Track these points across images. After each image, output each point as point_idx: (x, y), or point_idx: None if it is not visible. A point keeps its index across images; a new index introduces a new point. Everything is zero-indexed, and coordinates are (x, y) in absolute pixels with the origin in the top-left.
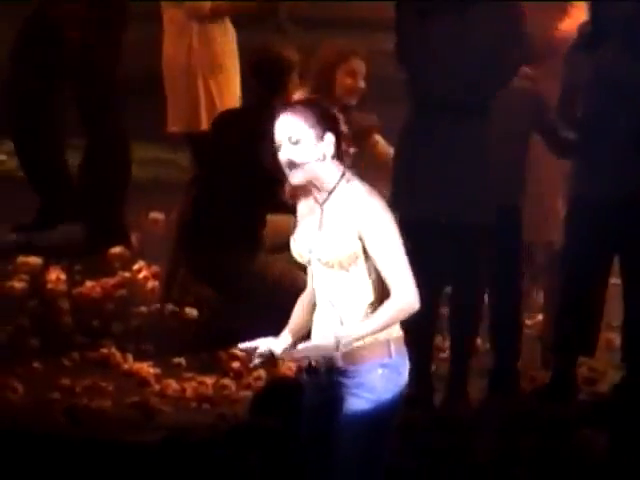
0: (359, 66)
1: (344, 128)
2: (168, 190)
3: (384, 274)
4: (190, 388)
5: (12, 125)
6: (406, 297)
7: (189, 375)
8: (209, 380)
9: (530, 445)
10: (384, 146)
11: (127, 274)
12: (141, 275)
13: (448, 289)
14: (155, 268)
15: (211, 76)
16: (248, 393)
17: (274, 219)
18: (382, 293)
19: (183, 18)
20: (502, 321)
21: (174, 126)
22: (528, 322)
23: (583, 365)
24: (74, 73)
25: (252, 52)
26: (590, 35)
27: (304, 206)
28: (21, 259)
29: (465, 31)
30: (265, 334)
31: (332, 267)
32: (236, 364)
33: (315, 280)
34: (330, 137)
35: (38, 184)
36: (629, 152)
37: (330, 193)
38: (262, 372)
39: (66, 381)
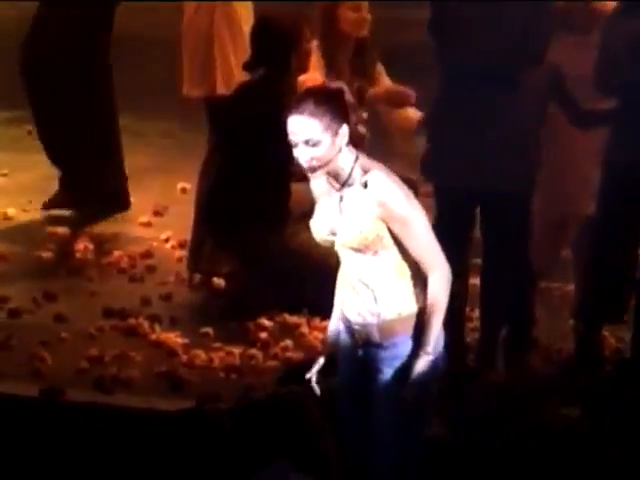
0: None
1: (351, 105)
2: (196, 159)
3: (415, 253)
4: (218, 358)
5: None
6: (445, 272)
7: (217, 345)
8: (237, 350)
9: (556, 415)
10: (414, 118)
11: (155, 243)
12: (169, 244)
13: (477, 260)
14: (183, 237)
15: (229, 41)
16: (275, 363)
17: (299, 188)
18: (415, 264)
19: None
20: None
21: (190, 90)
22: (557, 293)
23: (611, 336)
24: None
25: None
26: (629, 2)
27: (320, 187)
28: (49, 229)
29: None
30: (291, 303)
31: (360, 251)
32: (263, 334)
33: (343, 261)
34: (344, 129)
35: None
36: None
37: (347, 179)
38: (289, 342)
39: (94, 350)
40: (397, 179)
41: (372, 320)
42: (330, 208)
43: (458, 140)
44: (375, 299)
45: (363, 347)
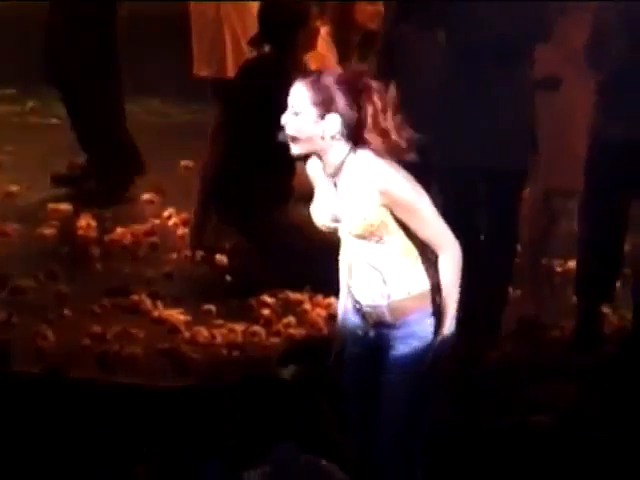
0: None
1: (376, 103)
2: (199, 137)
3: (422, 236)
4: (220, 335)
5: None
6: (455, 251)
7: (219, 322)
8: (239, 327)
9: (555, 393)
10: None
11: (157, 221)
12: (171, 222)
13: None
14: (185, 215)
15: (239, 21)
16: (278, 340)
17: (303, 166)
18: (422, 243)
19: None
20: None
21: (200, 70)
22: (559, 269)
23: (615, 314)
24: None
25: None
26: None
27: (314, 170)
28: (51, 206)
29: None
30: (293, 280)
31: (364, 238)
32: (266, 311)
33: (349, 247)
34: (334, 118)
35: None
36: None
37: (338, 169)
38: (292, 319)
39: (97, 328)
40: (391, 162)
41: (382, 302)
42: (328, 194)
43: (470, 121)
44: (384, 281)
45: (374, 328)
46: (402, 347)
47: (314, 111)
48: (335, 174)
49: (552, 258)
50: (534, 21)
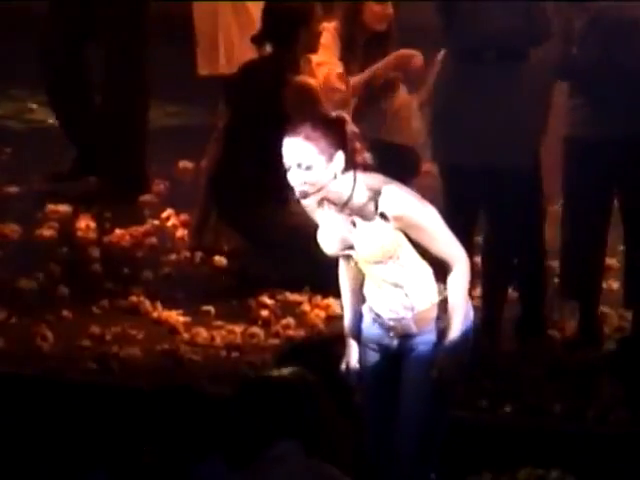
0: None
1: (353, 137)
2: (197, 138)
3: (435, 251)
4: (219, 336)
5: (45, 78)
6: (465, 266)
7: (218, 323)
8: (238, 328)
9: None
10: (407, 97)
11: (156, 222)
12: (170, 223)
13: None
14: (184, 216)
15: (235, 20)
16: (277, 341)
17: None
18: (436, 258)
19: None
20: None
21: (201, 69)
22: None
23: (615, 314)
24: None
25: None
26: None
27: (315, 205)
28: (50, 207)
29: None
30: (293, 282)
31: (381, 262)
32: (265, 312)
33: (365, 270)
34: (340, 155)
35: (72, 135)
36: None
37: (347, 201)
38: (291, 320)
39: (96, 329)
40: (402, 185)
41: (407, 314)
42: (338, 223)
43: (472, 119)
44: (406, 294)
45: (399, 339)
46: (422, 347)
47: (323, 158)
48: (345, 204)
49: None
50: (532, 22)
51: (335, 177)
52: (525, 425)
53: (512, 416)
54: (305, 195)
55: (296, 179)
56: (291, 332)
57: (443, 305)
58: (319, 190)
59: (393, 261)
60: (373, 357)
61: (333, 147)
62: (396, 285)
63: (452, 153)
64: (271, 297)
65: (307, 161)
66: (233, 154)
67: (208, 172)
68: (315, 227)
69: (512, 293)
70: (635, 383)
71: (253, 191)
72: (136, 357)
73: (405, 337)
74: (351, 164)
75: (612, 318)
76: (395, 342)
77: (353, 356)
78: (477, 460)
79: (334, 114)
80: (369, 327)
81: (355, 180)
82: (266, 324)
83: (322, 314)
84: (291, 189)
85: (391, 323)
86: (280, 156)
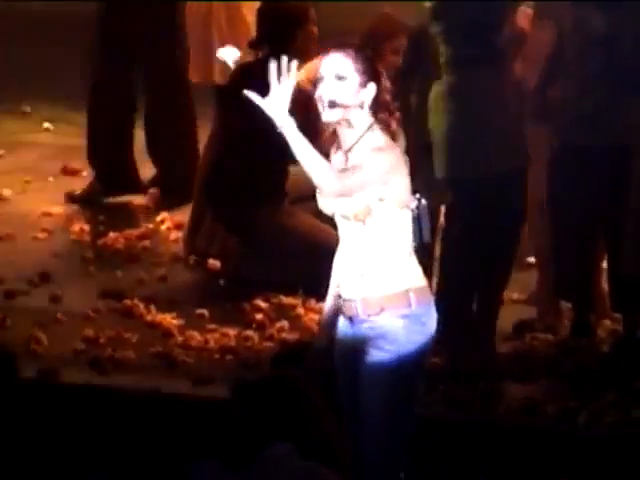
0: (404, 43)
1: (386, 83)
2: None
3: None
4: (213, 339)
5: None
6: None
7: (212, 326)
8: (232, 331)
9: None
10: None
11: (150, 225)
12: (164, 226)
13: None
14: (178, 219)
15: (229, 27)
16: (271, 344)
17: (296, 170)
18: (397, 245)
19: None
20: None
21: (192, 76)
22: None
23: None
24: None
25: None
26: None
27: (334, 158)
28: (44, 210)
29: None
30: (287, 285)
31: (348, 219)
32: (259, 315)
33: (340, 232)
34: (372, 86)
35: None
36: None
37: (355, 142)
38: (285, 323)
39: (90, 332)
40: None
41: (356, 295)
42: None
43: (472, 130)
44: (361, 274)
45: (350, 323)
46: (374, 351)
47: (358, 78)
48: (349, 150)
49: None
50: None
51: (362, 106)
52: (518, 426)
53: (506, 417)
54: (333, 104)
55: (328, 88)
56: (286, 335)
57: (394, 300)
58: (344, 107)
59: (360, 226)
60: (339, 348)
61: (369, 75)
62: (357, 261)
63: (458, 166)
64: (265, 300)
65: (343, 72)
66: (226, 157)
67: (201, 175)
68: (308, 231)
69: (510, 295)
70: (629, 386)
71: (247, 194)
72: (130, 360)
73: (354, 323)
74: (376, 113)
75: (605, 321)
76: (350, 330)
77: (319, 345)
78: (473, 462)
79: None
80: (339, 315)
81: (370, 128)
82: (260, 327)
83: (316, 317)
84: (285, 193)
85: (344, 302)
86: (273, 159)
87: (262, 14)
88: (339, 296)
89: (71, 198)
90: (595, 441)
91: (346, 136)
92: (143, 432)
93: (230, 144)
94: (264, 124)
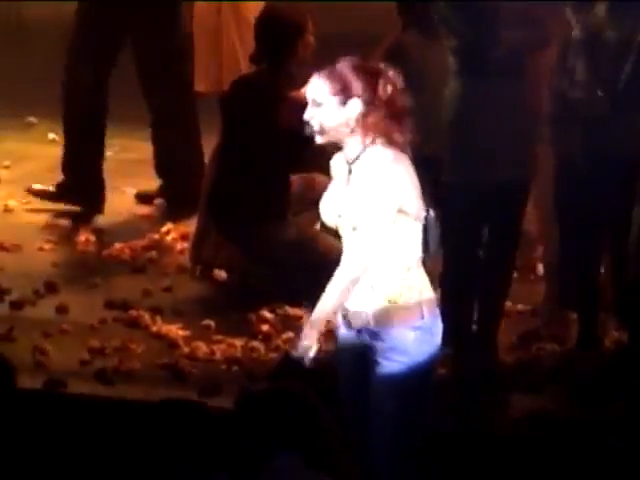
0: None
1: (385, 91)
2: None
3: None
4: (219, 350)
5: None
6: (350, 267)
7: (218, 337)
8: (238, 342)
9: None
10: None
11: (156, 236)
12: (170, 237)
13: None
14: (184, 230)
15: (238, 36)
16: (277, 355)
17: (297, 179)
18: (408, 256)
19: None
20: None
21: (198, 86)
22: None
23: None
24: None
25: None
26: None
27: (337, 168)
28: (50, 221)
29: None
30: (293, 296)
31: (355, 230)
32: (265, 326)
33: (345, 247)
34: (355, 103)
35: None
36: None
37: (357, 158)
38: (291, 334)
39: (96, 342)
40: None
41: (367, 308)
42: (339, 189)
43: (485, 136)
44: (372, 286)
45: (360, 335)
46: (385, 362)
47: (335, 100)
48: (353, 162)
49: None
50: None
51: (348, 124)
52: (525, 435)
53: (511, 426)
54: (320, 130)
55: (310, 115)
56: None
57: (405, 312)
58: (330, 131)
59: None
60: (343, 358)
61: (346, 94)
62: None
63: (470, 169)
64: (271, 311)
65: (319, 98)
66: (231, 170)
67: (206, 189)
68: (313, 241)
69: (515, 306)
70: (635, 396)
71: (252, 207)
72: (136, 370)
73: (365, 335)
74: (369, 128)
75: (611, 329)
76: (359, 342)
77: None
78: (478, 475)
79: (374, 64)
80: (341, 327)
81: (371, 142)
82: (266, 338)
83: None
84: (289, 205)
85: (353, 315)
86: (275, 171)
87: (261, 27)
88: (344, 311)
89: (31, 190)
90: (602, 452)
91: (347, 149)
92: (148, 444)
93: (233, 157)
94: (267, 135)
